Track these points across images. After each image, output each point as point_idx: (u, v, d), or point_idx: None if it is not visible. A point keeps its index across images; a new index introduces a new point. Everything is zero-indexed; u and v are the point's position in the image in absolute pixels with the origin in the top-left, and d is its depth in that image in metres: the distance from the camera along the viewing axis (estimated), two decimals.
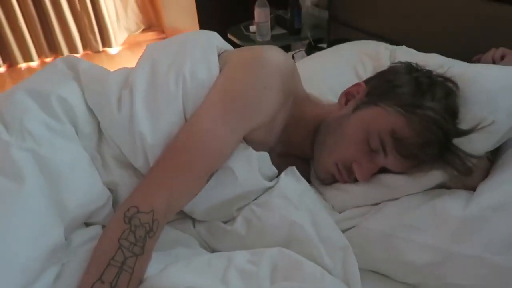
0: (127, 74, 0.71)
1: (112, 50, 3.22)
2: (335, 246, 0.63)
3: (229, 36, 1.96)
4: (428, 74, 0.72)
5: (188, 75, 0.66)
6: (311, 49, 1.59)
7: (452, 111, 0.68)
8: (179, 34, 0.79)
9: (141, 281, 0.56)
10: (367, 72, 1.05)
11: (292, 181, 0.72)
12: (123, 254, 0.54)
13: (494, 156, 0.72)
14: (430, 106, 0.65)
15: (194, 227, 0.73)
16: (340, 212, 0.73)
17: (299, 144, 0.78)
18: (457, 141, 0.65)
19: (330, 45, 1.42)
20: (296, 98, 0.76)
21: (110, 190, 0.67)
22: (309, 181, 0.76)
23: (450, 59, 0.92)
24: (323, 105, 0.80)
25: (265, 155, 0.71)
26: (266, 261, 0.59)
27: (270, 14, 1.83)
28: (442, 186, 0.70)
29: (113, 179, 0.67)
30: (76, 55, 3.03)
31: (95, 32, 3.07)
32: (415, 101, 0.66)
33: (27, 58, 2.94)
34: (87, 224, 0.67)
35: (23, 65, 2.97)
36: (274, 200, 0.68)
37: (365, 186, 0.72)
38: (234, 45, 0.84)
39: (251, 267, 0.58)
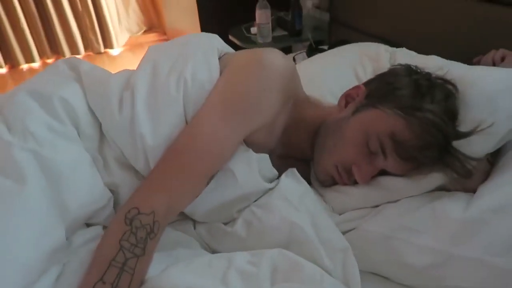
0: (128, 76, 0.72)
1: (114, 51, 3.23)
2: (335, 247, 0.64)
3: (230, 37, 1.96)
4: (428, 76, 0.73)
5: (189, 77, 0.67)
6: (312, 51, 1.59)
7: (451, 114, 0.68)
8: (180, 37, 0.79)
9: (142, 282, 0.56)
10: (367, 74, 1.05)
11: (292, 182, 0.72)
12: (124, 255, 0.54)
13: (494, 158, 0.72)
14: (429, 108, 0.65)
15: (194, 228, 0.73)
16: (340, 214, 0.73)
17: (299, 146, 0.78)
18: (456, 143, 0.65)
19: (331, 47, 1.43)
20: (296, 100, 0.76)
21: (111, 191, 0.68)
22: (309, 183, 0.77)
23: (450, 61, 0.92)
24: (323, 107, 0.81)
25: (265, 157, 0.71)
26: (266, 262, 0.59)
27: (271, 15, 1.84)
28: (441, 188, 0.70)
29: (114, 181, 0.67)
30: (77, 56, 3.03)
31: (97, 33, 3.08)
32: (414, 104, 0.66)
33: (29, 59, 2.95)
34: (88, 225, 0.68)
35: (24, 66, 2.98)
36: (275, 202, 0.68)
37: (364, 188, 0.72)
38: (235, 46, 0.84)
39: (251, 268, 0.58)
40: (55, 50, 3.02)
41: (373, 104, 0.70)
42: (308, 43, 1.71)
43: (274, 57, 0.68)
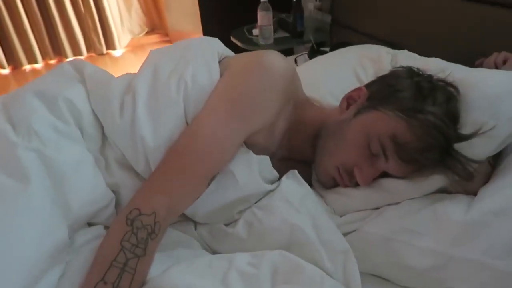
0: (129, 80, 0.72)
1: (116, 53, 3.24)
2: (336, 249, 0.64)
3: (232, 39, 1.97)
4: (429, 78, 0.73)
5: (189, 80, 0.67)
6: (313, 53, 1.60)
7: (453, 116, 0.68)
8: (181, 40, 0.80)
9: (143, 283, 0.56)
10: (368, 76, 1.05)
11: (293, 184, 0.73)
12: (125, 255, 0.54)
13: (495, 161, 0.72)
14: (431, 110, 0.65)
15: (195, 229, 0.73)
16: (341, 216, 0.73)
17: (300, 148, 0.78)
18: (458, 145, 0.65)
19: (333, 48, 1.43)
20: (296, 102, 0.76)
21: (113, 192, 0.68)
22: (310, 185, 0.77)
23: (452, 64, 0.92)
24: (324, 109, 0.81)
25: (265, 158, 0.71)
26: (266, 264, 0.59)
27: (273, 17, 1.84)
28: (443, 191, 0.70)
29: (115, 181, 0.68)
30: (80, 57, 3.05)
31: (99, 35, 3.10)
32: (416, 106, 0.66)
33: (32, 60, 2.96)
34: (89, 224, 0.68)
35: (27, 67, 2.99)
36: (276, 203, 0.68)
37: (366, 190, 0.72)
38: (237, 48, 0.85)
39: (251, 270, 0.58)
40: (58, 51, 3.03)
41: (374, 106, 0.70)
42: (309, 45, 1.71)
43: (274, 58, 0.69)
